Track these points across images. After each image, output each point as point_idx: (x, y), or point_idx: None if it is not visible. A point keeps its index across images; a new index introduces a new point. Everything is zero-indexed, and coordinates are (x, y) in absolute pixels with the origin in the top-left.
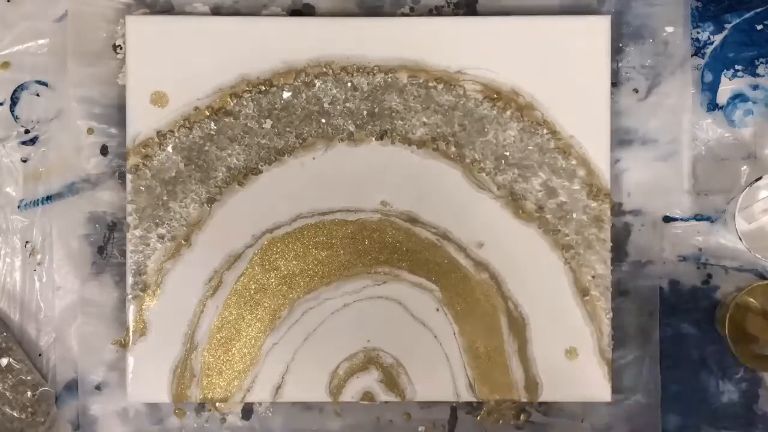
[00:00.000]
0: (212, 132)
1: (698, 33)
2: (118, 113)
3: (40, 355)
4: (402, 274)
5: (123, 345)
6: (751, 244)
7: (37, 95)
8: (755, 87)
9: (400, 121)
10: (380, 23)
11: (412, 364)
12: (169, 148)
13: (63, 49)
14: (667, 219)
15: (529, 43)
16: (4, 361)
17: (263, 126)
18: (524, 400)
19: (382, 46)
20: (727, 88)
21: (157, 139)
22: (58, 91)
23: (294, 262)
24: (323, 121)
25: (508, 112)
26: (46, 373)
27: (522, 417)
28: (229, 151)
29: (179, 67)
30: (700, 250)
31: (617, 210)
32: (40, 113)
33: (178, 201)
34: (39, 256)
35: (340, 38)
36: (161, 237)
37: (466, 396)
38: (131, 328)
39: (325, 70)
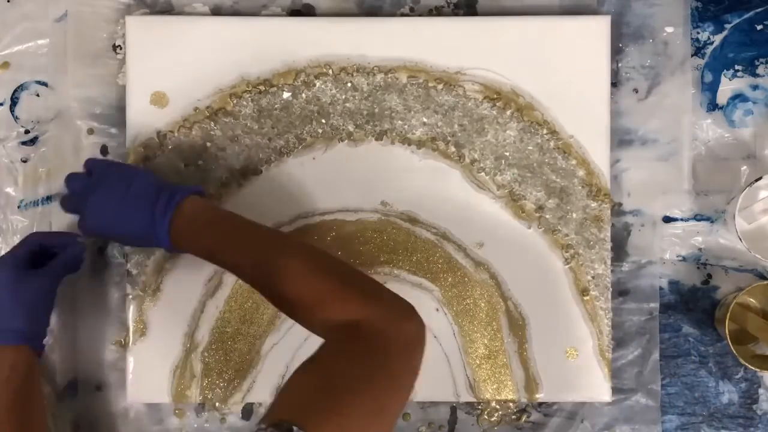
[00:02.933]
0: (212, 132)
1: (698, 33)
2: (118, 113)
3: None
4: (402, 274)
5: (123, 345)
6: (751, 244)
7: (37, 95)
8: (755, 87)
9: (399, 121)
10: (380, 23)
11: None
12: (169, 149)
13: (63, 49)
14: (667, 219)
15: (529, 43)
16: None
17: (263, 126)
18: (524, 400)
19: (382, 46)
20: (727, 88)
21: (157, 140)
22: (58, 91)
23: None
24: (323, 121)
25: (508, 112)
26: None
27: (522, 417)
28: (229, 151)
29: (179, 67)
30: (700, 250)
31: (617, 210)
32: (40, 113)
33: None
34: None
35: (340, 38)
36: None
37: (466, 396)
38: (131, 328)
39: (324, 70)
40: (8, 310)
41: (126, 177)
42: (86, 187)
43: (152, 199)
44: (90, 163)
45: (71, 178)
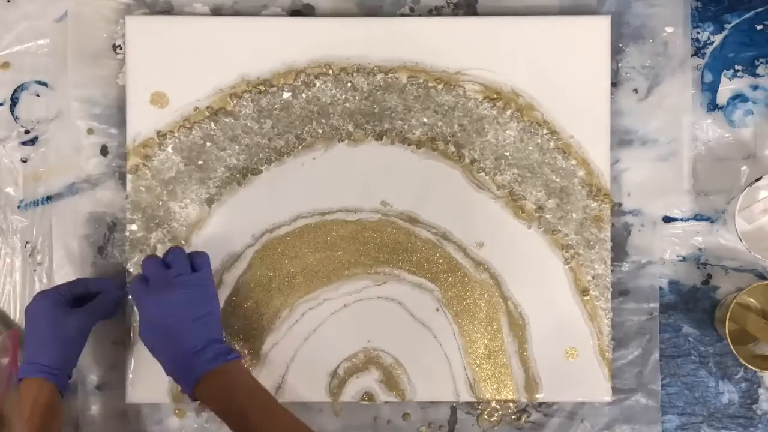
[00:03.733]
0: (212, 132)
1: (698, 33)
2: (118, 113)
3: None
4: (402, 274)
5: (123, 345)
6: (751, 244)
7: (37, 95)
8: (755, 87)
9: (399, 121)
10: (380, 23)
11: (412, 364)
12: (169, 149)
13: (63, 49)
14: (667, 219)
15: (529, 43)
16: (4, 361)
17: (263, 126)
18: (524, 400)
19: (382, 46)
20: (727, 88)
21: (157, 140)
22: (58, 91)
23: (294, 262)
24: (323, 121)
25: (508, 112)
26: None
27: (522, 417)
28: (229, 151)
29: (179, 67)
30: (700, 250)
31: (617, 210)
32: (40, 113)
33: (178, 201)
34: (39, 257)
35: (340, 38)
36: (161, 237)
37: (466, 396)
38: (131, 328)
39: (324, 70)
40: (41, 343)
41: (206, 298)
42: (162, 281)
43: (207, 342)
44: (172, 256)
45: (149, 264)
